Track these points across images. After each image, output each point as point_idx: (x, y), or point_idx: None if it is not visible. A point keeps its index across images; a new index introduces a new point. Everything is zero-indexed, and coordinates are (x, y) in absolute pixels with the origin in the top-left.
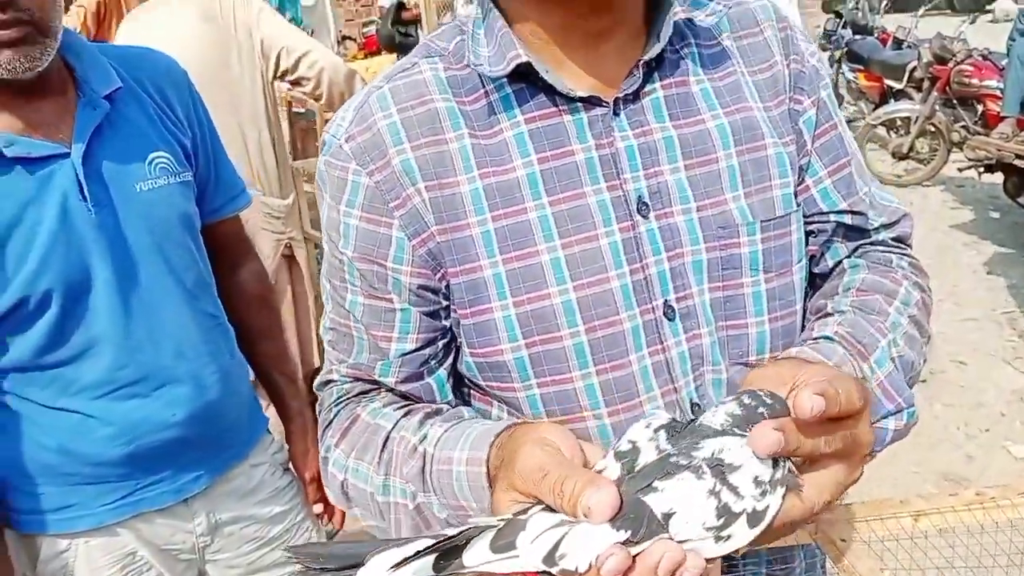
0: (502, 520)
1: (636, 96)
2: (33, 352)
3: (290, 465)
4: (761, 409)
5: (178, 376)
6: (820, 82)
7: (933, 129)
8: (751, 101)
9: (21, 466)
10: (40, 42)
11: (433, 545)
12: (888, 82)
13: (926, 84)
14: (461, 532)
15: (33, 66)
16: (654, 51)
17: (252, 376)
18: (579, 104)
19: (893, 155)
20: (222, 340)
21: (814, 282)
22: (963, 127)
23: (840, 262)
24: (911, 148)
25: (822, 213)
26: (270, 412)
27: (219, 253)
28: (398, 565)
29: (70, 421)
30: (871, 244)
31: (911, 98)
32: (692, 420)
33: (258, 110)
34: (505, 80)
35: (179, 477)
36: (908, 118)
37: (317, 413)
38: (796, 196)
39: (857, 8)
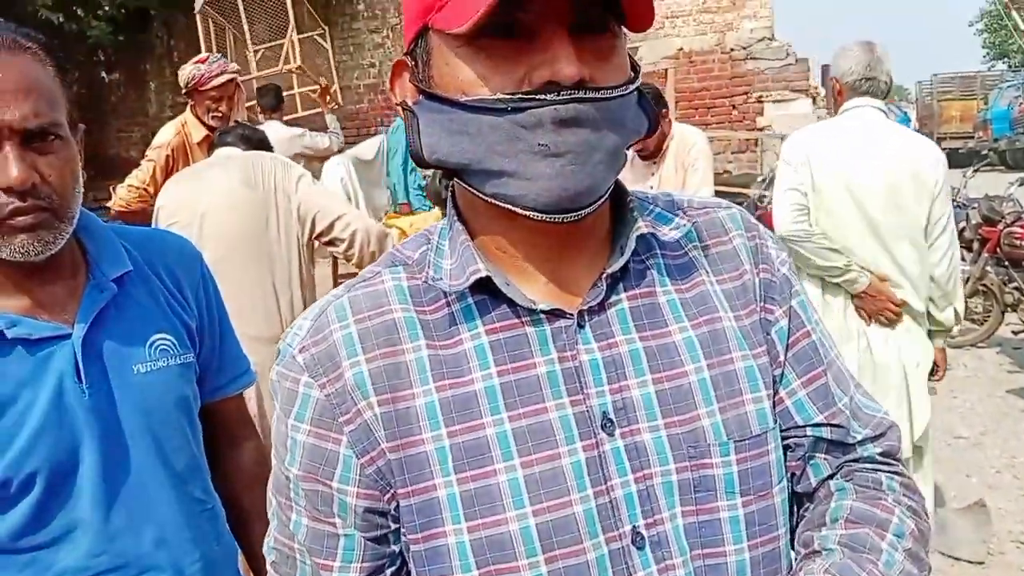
0: None
1: (601, 307)
2: (11, 535)
3: None
4: None
5: (157, 564)
6: (791, 289)
7: (985, 289)
8: (720, 311)
9: None
10: (56, 227)
11: None
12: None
13: (976, 245)
14: None
15: (46, 250)
16: (618, 264)
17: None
18: (542, 316)
19: None
20: (208, 526)
21: (801, 501)
22: (1016, 288)
23: (825, 480)
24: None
25: (798, 427)
26: None
27: (219, 431)
28: None
29: None
30: (856, 461)
31: (962, 258)
32: None
33: (292, 270)
34: (467, 291)
35: None
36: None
37: None
38: (773, 411)
39: None
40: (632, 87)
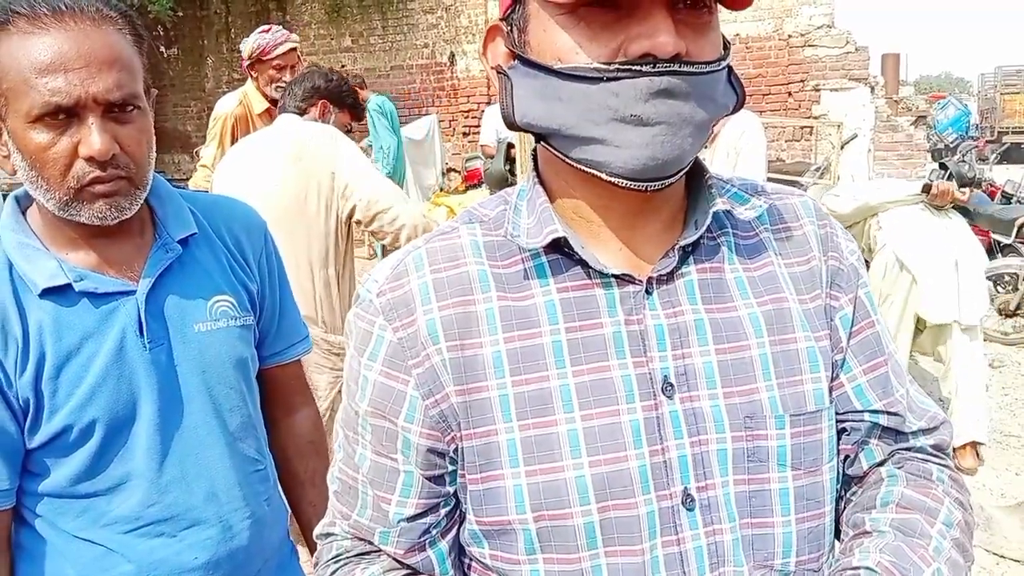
0: None
1: (670, 277)
2: (70, 479)
3: None
4: None
5: (207, 519)
6: (858, 280)
7: None
8: (786, 292)
9: None
10: (132, 194)
11: None
12: (996, 236)
13: None
14: None
15: (122, 216)
16: (692, 237)
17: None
18: (612, 280)
19: (999, 312)
20: (260, 486)
21: (849, 484)
22: None
23: (875, 466)
24: (1019, 305)
25: (856, 412)
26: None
27: (276, 396)
28: None
29: (93, 553)
30: (908, 450)
31: (1020, 253)
32: None
33: (329, 246)
34: (541, 250)
35: None
36: (1016, 274)
37: (315, 565)
38: (830, 393)
39: (964, 160)
40: (724, 63)
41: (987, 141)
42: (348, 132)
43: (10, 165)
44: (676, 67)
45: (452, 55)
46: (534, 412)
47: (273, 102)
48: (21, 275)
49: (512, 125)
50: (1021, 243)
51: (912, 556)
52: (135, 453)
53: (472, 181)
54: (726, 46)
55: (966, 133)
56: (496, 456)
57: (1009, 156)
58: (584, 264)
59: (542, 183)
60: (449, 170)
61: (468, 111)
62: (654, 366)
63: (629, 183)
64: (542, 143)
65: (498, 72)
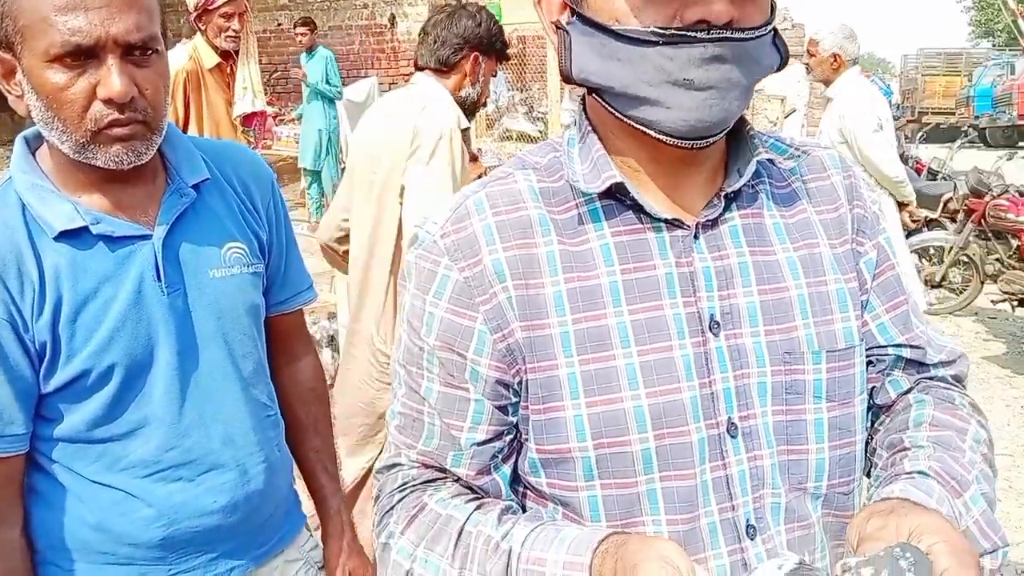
0: None
1: (715, 223)
2: (86, 424)
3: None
4: None
5: (224, 463)
6: (879, 226)
7: (967, 260)
8: (818, 238)
9: (58, 540)
10: (148, 138)
11: None
12: (922, 211)
13: (961, 215)
14: None
15: (138, 160)
16: (737, 184)
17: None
18: (663, 224)
19: (926, 283)
20: (272, 431)
21: (877, 414)
22: (997, 260)
23: (902, 394)
24: (944, 277)
25: (880, 347)
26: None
27: (280, 344)
28: None
29: (112, 498)
30: (931, 379)
31: (944, 228)
32: (817, 573)
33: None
34: (595, 195)
35: (213, 567)
36: (942, 247)
37: (375, 498)
38: (859, 331)
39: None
40: (770, 27)
41: (908, 120)
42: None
43: (23, 105)
44: (729, 34)
45: (393, 16)
46: (593, 347)
47: (224, 55)
48: (35, 217)
49: (568, 79)
50: (947, 218)
51: (955, 465)
52: (153, 398)
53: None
54: (773, 8)
55: None
56: (557, 388)
57: (933, 136)
58: (636, 209)
59: (595, 132)
60: None
61: (408, 74)
62: (702, 305)
63: (676, 141)
64: (594, 96)
65: (556, 27)
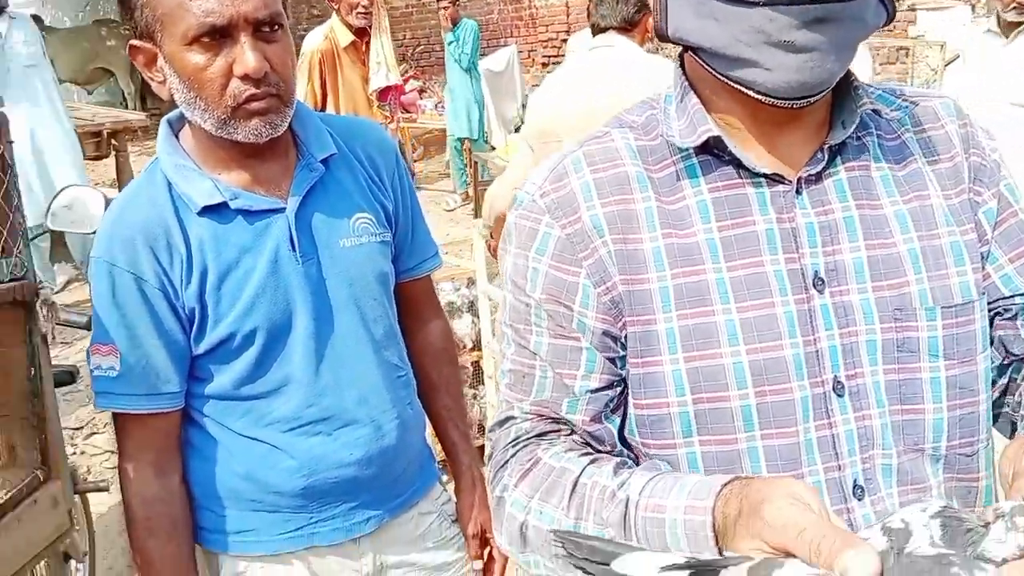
0: (755, 558)
1: (819, 177)
2: (234, 383)
3: None
4: None
5: (359, 419)
6: (1000, 173)
7: None
8: (930, 190)
9: (211, 488)
10: (282, 111)
11: (689, 563)
12: None
13: None
14: (715, 559)
15: (275, 132)
16: (840, 137)
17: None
18: (762, 179)
19: None
20: (404, 390)
21: (1019, 367)
22: None
23: None
24: None
25: (1005, 298)
26: None
27: (409, 309)
28: (667, 568)
29: (259, 451)
30: None
31: None
32: (965, 520)
33: None
34: (692, 151)
35: (351, 516)
36: None
37: (488, 454)
38: (979, 285)
39: None
40: None
41: None
42: None
43: (166, 90)
44: None
45: None
46: (692, 303)
47: (358, 32)
48: (180, 194)
49: (663, 37)
50: None
51: None
52: (292, 359)
53: None
54: None
55: None
56: (655, 343)
57: None
58: (735, 164)
59: (694, 89)
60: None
61: (547, 41)
62: (805, 262)
63: (776, 101)
64: (691, 54)
65: None
